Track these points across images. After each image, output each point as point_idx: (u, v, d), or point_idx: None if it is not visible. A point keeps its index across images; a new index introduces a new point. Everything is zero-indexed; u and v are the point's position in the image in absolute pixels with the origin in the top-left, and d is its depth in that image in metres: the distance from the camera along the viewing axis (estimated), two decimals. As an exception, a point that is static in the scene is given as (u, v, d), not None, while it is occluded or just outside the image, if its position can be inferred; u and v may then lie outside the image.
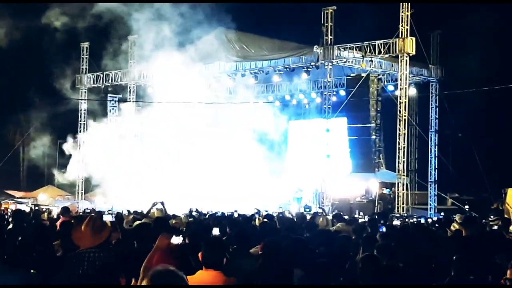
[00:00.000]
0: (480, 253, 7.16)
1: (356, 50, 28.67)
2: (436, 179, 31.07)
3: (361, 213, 22.88)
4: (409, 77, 28.26)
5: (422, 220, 17.31)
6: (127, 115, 32.27)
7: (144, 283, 3.59)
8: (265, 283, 6.10)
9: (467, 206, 26.09)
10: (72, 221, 9.53)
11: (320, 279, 5.97)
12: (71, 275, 6.15)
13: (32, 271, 5.87)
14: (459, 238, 10.28)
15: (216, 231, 7.72)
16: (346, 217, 16.42)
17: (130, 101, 33.30)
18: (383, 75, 31.97)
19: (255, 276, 6.24)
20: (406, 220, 18.77)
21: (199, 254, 5.89)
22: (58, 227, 9.13)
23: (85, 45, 34.69)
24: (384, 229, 10.25)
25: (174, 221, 12.72)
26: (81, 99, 33.14)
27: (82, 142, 32.58)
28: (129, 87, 33.83)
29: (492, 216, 18.50)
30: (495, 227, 13.71)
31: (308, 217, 15.12)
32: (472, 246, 8.12)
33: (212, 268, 5.81)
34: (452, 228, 12.78)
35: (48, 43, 30.73)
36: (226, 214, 17.51)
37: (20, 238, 8.91)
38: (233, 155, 32.36)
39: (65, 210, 13.84)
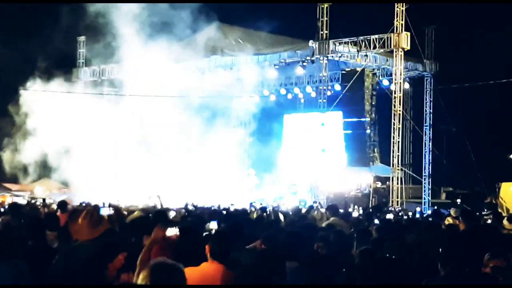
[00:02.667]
0: (477, 247, 7.24)
1: (351, 44, 28.71)
2: (430, 173, 31.17)
3: (356, 207, 22.98)
4: (403, 71, 28.34)
5: (417, 215, 17.42)
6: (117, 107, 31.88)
7: (144, 274, 3.62)
8: (261, 277, 6.17)
9: (458, 200, 26.18)
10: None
11: (314, 272, 6.03)
12: (66, 267, 6.21)
13: None
14: (456, 232, 10.36)
15: (213, 225, 7.78)
16: (341, 210, 16.47)
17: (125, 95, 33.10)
18: (378, 70, 32.03)
19: (252, 270, 6.30)
20: (400, 214, 18.86)
21: (207, 246, 5.97)
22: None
23: (82, 39, 34.66)
24: (376, 221, 10.32)
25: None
26: (78, 93, 33.02)
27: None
28: (125, 81, 33.71)
29: (486, 210, 18.65)
30: (489, 221, 13.82)
31: (304, 210, 15.19)
32: (469, 240, 8.19)
33: (217, 261, 5.90)
34: (446, 222, 12.89)
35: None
36: (220, 208, 17.58)
37: (16, 231, 8.98)
38: (228, 149, 32.40)
39: (62, 204, 13.88)
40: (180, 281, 3.66)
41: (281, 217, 8.95)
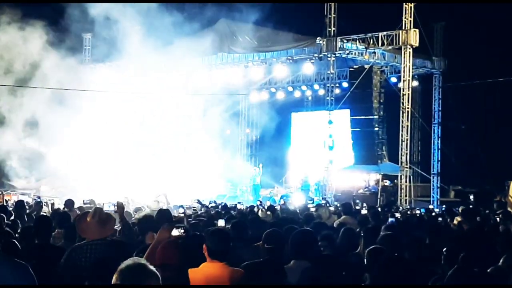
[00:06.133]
0: (480, 246, 7.15)
1: (359, 41, 28.58)
2: (439, 171, 31.02)
3: (364, 205, 22.84)
4: (412, 69, 28.18)
5: (423, 212, 17.30)
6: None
7: (114, 278, 3.48)
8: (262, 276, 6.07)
9: (472, 197, 25.91)
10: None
11: (324, 271, 5.93)
12: (75, 266, 6.14)
13: None
14: (460, 231, 10.30)
15: (221, 223, 7.69)
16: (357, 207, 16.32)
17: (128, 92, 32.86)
18: (386, 67, 31.91)
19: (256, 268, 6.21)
20: (408, 212, 18.72)
21: (204, 246, 5.87)
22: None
23: (88, 36, 34.60)
24: (393, 220, 10.25)
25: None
26: (84, 90, 32.95)
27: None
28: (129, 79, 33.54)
29: (495, 209, 18.48)
30: (497, 219, 13.71)
31: (313, 209, 15.08)
32: (471, 239, 8.09)
33: (217, 260, 5.79)
34: (455, 221, 12.77)
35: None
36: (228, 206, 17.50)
37: (20, 229, 8.93)
38: (235, 147, 32.31)
39: (69, 203, 13.83)
40: (150, 281, 3.49)
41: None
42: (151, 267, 3.49)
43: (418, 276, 5.96)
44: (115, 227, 7.59)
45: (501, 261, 6.22)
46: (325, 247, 7.35)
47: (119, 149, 29.00)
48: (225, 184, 30.83)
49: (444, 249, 6.72)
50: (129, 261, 3.51)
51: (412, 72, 28.37)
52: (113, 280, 3.45)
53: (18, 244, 7.28)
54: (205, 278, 5.70)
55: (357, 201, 24.54)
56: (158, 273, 3.49)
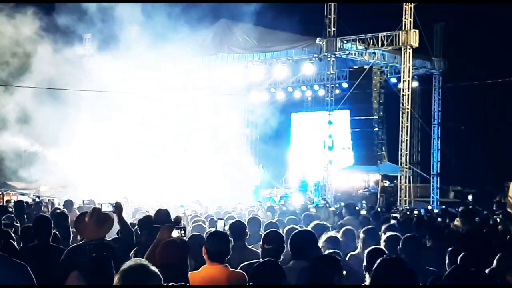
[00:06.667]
0: (478, 247, 7.16)
1: (359, 42, 28.58)
2: (438, 171, 31.01)
3: (364, 205, 22.81)
4: (412, 69, 28.18)
5: (422, 212, 17.31)
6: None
7: (116, 278, 3.48)
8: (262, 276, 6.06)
9: (470, 197, 25.90)
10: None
11: (323, 271, 5.92)
12: (74, 266, 6.14)
13: None
14: (458, 232, 10.30)
15: (221, 224, 7.68)
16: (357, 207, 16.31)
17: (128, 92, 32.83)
18: (386, 68, 31.91)
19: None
20: (408, 212, 18.73)
21: (203, 249, 5.86)
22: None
23: (88, 36, 34.57)
24: (395, 222, 10.26)
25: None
26: (84, 90, 32.95)
27: None
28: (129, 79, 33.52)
29: (495, 209, 18.51)
30: (497, 220, 13.71)
31: (313, 210, 15.10)
32: (470, 239, 8.10)
33: (217, 262, 5.78)
34: (456, 222, 12.77)
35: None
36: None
37: (20, 229, 8.94)
38: (235, 146, 32.28)
39: (68, 203, 13.84)
40: (152, 281, 3.50)
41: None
42: (153, 268, 3.51)
43: (418, 277, 5.96)
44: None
45: (495, 262, 6.22)
46: (328, 249, 7.34)
47: (119, 149, 28.95)
48: (225, 184, 30.78)
49: (450, 249, 6.73)
50: (131, 262, 3.53)
51: (412, 72, 28.37)
52: (115, 281, 3.46)
53: (18, 244, 7.29)
54: (205, 280, 5.69)
55: (362, 202, 24.49)
56: (159, 274, 3.50)
